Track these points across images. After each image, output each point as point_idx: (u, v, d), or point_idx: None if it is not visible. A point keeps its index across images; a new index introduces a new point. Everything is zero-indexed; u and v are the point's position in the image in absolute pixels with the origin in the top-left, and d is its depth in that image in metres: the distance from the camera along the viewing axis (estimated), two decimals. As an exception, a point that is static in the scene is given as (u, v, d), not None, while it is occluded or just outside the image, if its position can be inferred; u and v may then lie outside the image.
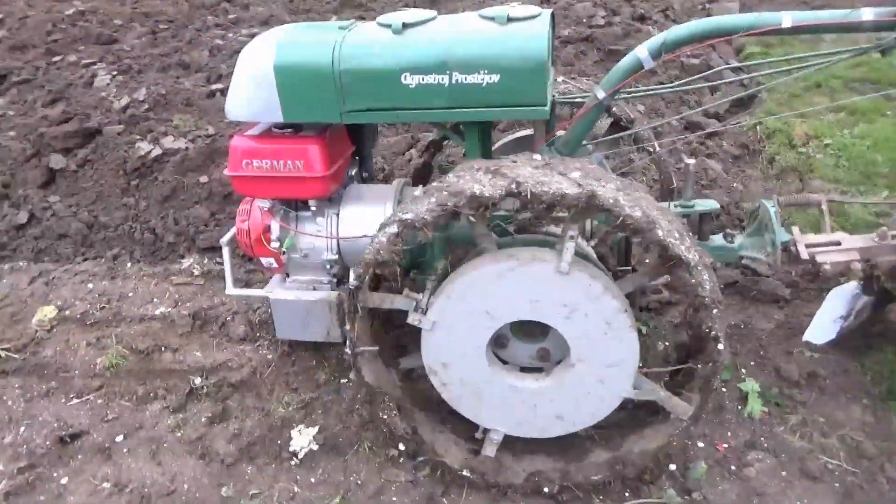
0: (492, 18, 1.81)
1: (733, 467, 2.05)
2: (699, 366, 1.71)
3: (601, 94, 1.89)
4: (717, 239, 2.20)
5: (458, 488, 2.00)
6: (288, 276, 2.27)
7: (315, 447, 2.13)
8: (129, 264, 3.06)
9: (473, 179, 1.61)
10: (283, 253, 2.16)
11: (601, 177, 1.60)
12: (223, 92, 4.15)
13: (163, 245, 3.28)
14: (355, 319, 1.81)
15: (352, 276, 1.75)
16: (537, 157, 1.71)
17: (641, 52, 1.85)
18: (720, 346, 1.66)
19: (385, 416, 1.94)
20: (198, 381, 2.37)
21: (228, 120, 2.09)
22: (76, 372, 2.46)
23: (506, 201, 1.62)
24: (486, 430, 1.95)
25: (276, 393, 2.32)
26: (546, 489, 1.96)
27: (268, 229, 2.15)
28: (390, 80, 1.81)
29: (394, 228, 1.66)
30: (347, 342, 1.85)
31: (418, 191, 1.75)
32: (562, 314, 1.69)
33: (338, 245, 2.16)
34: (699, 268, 1.58)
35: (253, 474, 2.07)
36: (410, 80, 1.80)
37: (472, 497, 1.98)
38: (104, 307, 2.75)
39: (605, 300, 1.66)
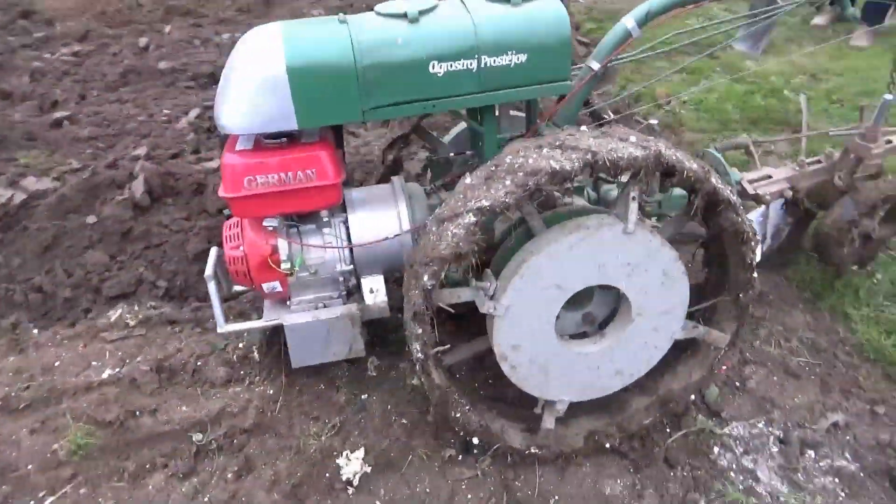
0: (505, 0, 1.83)
1: (738, 384, 2.32)
2: (740, 295, 1.92)
3: (595, 66, 2.01)
4: (678, 189, 2.45)
5: (527, 467, 2.02)
6: (289, 299, 2.09)
7: (368, 469, 2.00)
8: (35, 331, 2.56)
9: (544, 156, 1.63)
10: (291, 274, 1.99)
11: (650, 138, 1.72)
12: (71, 119, 3.60)
13: (56, 303, 2.78)
14: (424, 321, 1.74)
15: (426, 276, 1.66)
16: (584, 128, 1.78)
17: (629, 21, 2.00)
18: (755, 275, 1.88)
19: (458, 415, 1.89)
20: (200, 437, 2.08)
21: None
22: (30, 467, 2.02)
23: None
24: (545, 405, 1.99)
25: (297, 427, 2.12)
26: (607, 444, 2.07)
27: (275, 250, 1.95)
28: (418, 71, 1.76)
29: (470, 218, 1.62)
30: (417, 347, 1.77)
31: (469, 178, 1.72)
32: (625, 273, 1.79)
33: (351, 254, 2.04)
34: (741, 208, 1.77)
35: (312, 516, 1.90)
36: (439, 69, 1.77)
37: (543, 472, 2.01)
38: (29, 386, 2.27)
39: (664, 252, 1.79)
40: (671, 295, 1.86)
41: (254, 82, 1.72)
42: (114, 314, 2.57)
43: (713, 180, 1.70)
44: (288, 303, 2.09)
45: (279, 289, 2.03)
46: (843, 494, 1.97)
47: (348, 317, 2.02)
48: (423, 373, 1.82)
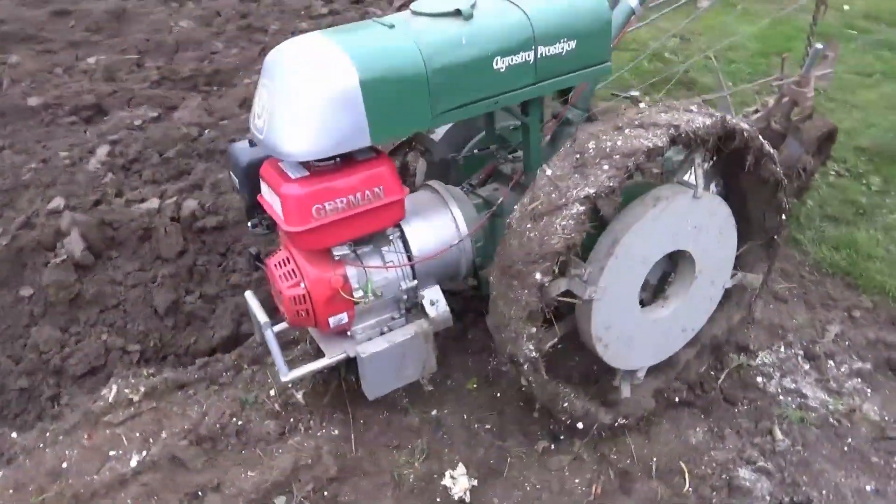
0: None
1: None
2: (774, 237, 2.11)
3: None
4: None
5: (616, 439, 2.08)
6: (348, 330, 1.94)
7: (475, 482, 1.94)
8: (14, 434, 2.13)
9: (632, 136, 1.67)
10: (358, 302, 1.85)
11: (707, 107, 1.83)
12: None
13: (10, 397, 2.35)
14: (537, 320, 1.72)
15: (538, 274, 1.64)
16: (643, 105, 1.84)
17: (632, 0, 2.09)
18: (786, 217, 2.09)
19: (566, 404, 1.90)
20: (284, 499, 1.89)
21: (302, 159, 1.64)
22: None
23: None
24: (622, 375, 2.07)
25: (384, 460, 1.99)
26: (677, 399, 2.19)
27: (346, 279, 1.80)
28: (483, 69, 1.71)
29: (578, 208, 1.62)
30: (531, 346, 1.74)
31: (551, 170, 1.72)
32: (693, 235, 1.90)
33: (412, 269, 1.94)
34: (777, 158, 1.95)
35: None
36: (501, 64, 1.73)
37: (632, 439, 2.08)
38: (43, 499, 1.90)
39: (722, 210, 1.92)
40: (725, 249, 2.01)
41: (324, 100, 1.56)
42: (109, 393, 2.21)
43: (759, 139, 1.86)
44: (349, 333, 1.95)
45: (346, 321, 1.89)
46: (868, 390, 2.27)
47: (422, 335, 1.94)
48: (533, 371, 1.80)
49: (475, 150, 2.30)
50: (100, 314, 2.55)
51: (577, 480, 1.97)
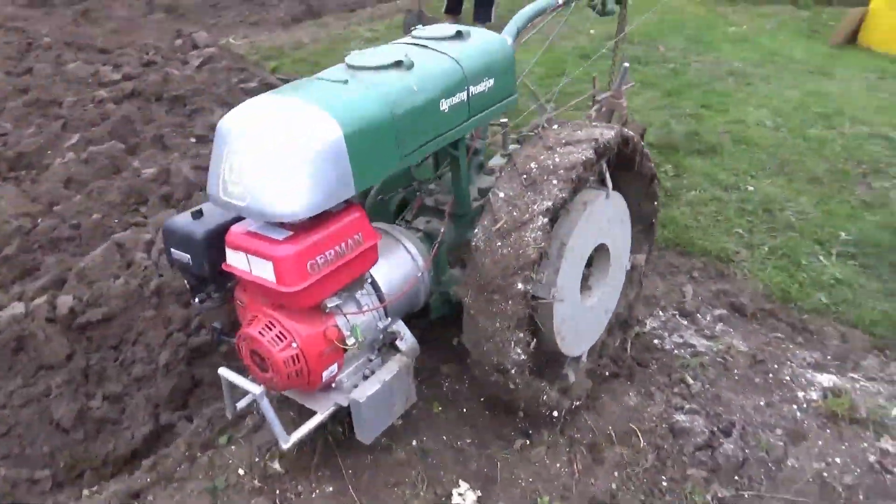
0: (454, 36, 2.04)
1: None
2: (653, 221, 2.55)
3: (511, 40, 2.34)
4: None
5: (576, 419, 2.34)
6: (333, 382, 1.95)
7: (479, 493, 2.06)
8: None
9: (566, 153, 1.95)
10: (347, 350, 1.88)
11: (602, 123, 2.18)
12: None
13: None
14: (524, 328, 1.91)
15: (519, 284, 1.82)
16: (556, 126, 2.13)
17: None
18: (659, 204, 2.54)
19: (546, 398, 2.11)
20: (309, 568, 1.82)
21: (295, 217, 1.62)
22: None
23: None
24: (570, 362, 2.34)
25: (388, 501, 2.01)
26: (606, 373, 2.52)
27: (339, 329, 1.82)
28: (434, 111, 1.87)
29: (543, 220, 1.85)
30: (519, 351, 1.92)
31: (503, 192, 1.94)
32: (608, 228, 2.25)
33: (384, 309, 2.01)
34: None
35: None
36: (445, 106, 1.91)
37: (587, 416, 2.36)
38: None
39: (621, 204, 2.30)
40: (626, 236, 2.40)
41: (314, 157, 1.59)
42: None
43: (641, 143, 2.27)
44: (334, 384, 1.95)
45: (335, 371, 1.89)
46: (731, 330, 2.83)
47: (404, 369, 2.01)
48: (521, 374, 1.98)
49: (399, 190, 2.43)
50: (-14, 447, 2.17)
51: (557, 465, 2.19)
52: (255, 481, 2.06)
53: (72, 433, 2.28)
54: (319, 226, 1.73)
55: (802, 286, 3.10)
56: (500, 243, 1.88)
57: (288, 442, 1.84)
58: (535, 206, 1.87)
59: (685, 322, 2.85)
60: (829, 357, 2.73)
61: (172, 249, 1.89)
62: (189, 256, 1.85)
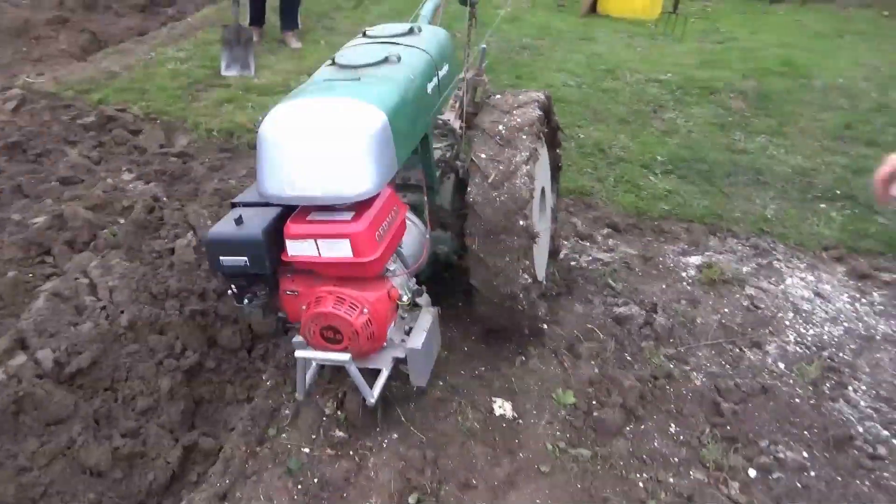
0: (410, 32, 2.38)
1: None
2: (559, 168, 3.12)
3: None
4: None
5: (548, 334, 2.85)
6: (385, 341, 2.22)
7: (510, 402, 2.49)
8: None
9: (522, 113, 2.42)
10: (400, 307, 2.18)
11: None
12: None
13: None
14: (529, 255, 2.35)
15: (522, 221, 2.26)
16: (499, 94, 2.57)
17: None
18: (561, 153, 3.12)
19: (542, 311, 2.58)
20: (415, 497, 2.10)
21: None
22: None
23: None
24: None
25: (444, 420, 2.35)
26: (554, 293, 3.07)
27: (400, 289, 2.11)
28: (423, 93, 2.22)
29: (527, 166, 2.31)
30: (527, 276, 2.36)
31: (483, 153, 2.35)
32: (545, 175, 2.77)
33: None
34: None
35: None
36: (428, 89, 2.26)
37: (556, 329, 2.89)
38: None
39: (545, 153, 2.84)
40: (549, 179, 2.95)
41: (373, 142, 1.87)
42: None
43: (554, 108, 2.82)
44: (385, 343, 2.22)
45: (391, 328, 2.18)
46: (621, 243, 3.55)
47: (436, 317, 2.36)
48: (528, 293, 2.42)
49: None
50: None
51: (552, 367, 2.69)
52: (328, 450, 2.27)
53: (109, 475, 2.24)
54: (370, 204, 2.01)
55: (647, 201, 3.95)
56: (495, 193, 2.30)
57: (373, 397, 2.10)
58: (517, 158, 2.32)
59: (587, 244, 3.52)
60: (687, 246, 3.58)
61: (222, 258, 2.01)
62: (246, 258, 1.99)
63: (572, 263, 3.35)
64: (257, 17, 6.03)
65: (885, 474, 2.32)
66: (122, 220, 3.38)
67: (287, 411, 2.46)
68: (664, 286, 3.22)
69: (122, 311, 2.68)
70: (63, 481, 2.16)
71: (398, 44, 2.35)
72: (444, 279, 2.82)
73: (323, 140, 1.87)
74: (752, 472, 2.30)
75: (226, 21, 6.13)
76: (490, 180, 2.31)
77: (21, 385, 2.28)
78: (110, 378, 2.49)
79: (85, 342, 2.50)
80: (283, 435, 2.36)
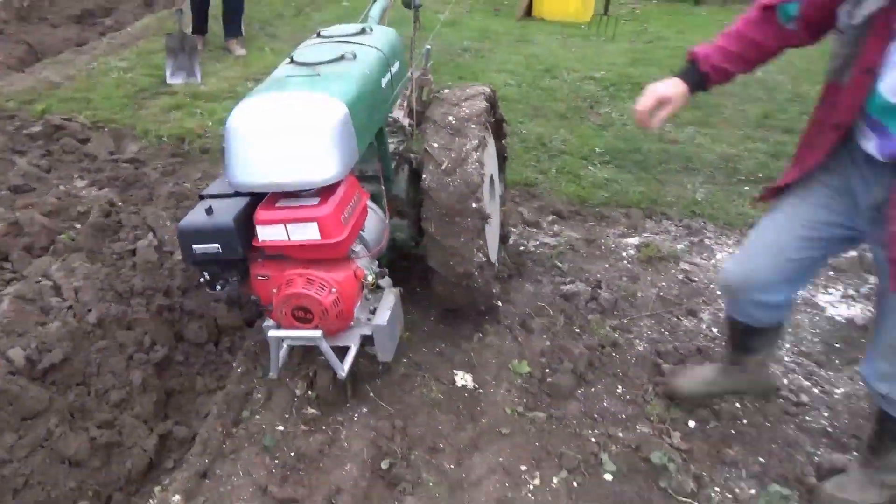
0: (363, 32, 2.54)
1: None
2: (505, 158, 3.33)
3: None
4: None
5: (501, 308, 3.05)
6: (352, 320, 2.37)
7: (470, 374, 2.67)
8: None
9: (469, 104, 2.61)
10: (365, 287, 2.33)
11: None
12: None
13: None
14: (482, 235, 2.54)
15: (474, 203, 2.44)
16: (446, 91, 2.75)
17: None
18: (506, 144, 3.32)
19: (496, 290, 2.77)
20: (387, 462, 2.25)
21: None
22: None
23: None
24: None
25: (407, 392, 2.51)
26: (506, 275, 3.26)
27: (362, 269, 2.25)
28: (378, 88, 2.38)
29: (476, 153, 2.49)
30: (482, 255, 2.54)
31: (435, 142, 2.53)
32: (493, 163, 2.97)
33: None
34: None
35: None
36: (383, 83, 2.43)
37: (508, 307, 3.08)
38: None
39: (492, 143, 3.03)
40: (497, 168, 3.15)
41: (338, 131, 2.02)
42: None
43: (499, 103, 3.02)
44: (352, 322, 2.37)
45: (357, 306, 2.32)
46: (565, 228, 3.78)
47: (399, 297, 2.51)
48: (482, 272, 2.60)
49: None
50: None
51: (507, 342, 2.88)
52: (302, 427, 2.40)
53: (88, 464, 2.31)
54: (335, 189, 2.15)
55: (588, 189, 4.20)
56: (448, 179, 2.48)
57: (344, 371, 2.24)
58: (467, 146, 2.51)
59: (534, 230, 3.74)
60: (626, 229, 3.84)
61: (195, 246, 2.13)
62: (219, 245, 2.11)
63: (521, 248, 3.56)
64: (200, 26, 6.07)
65: (808, 418, 2.60)
66: (78, 225, 3.41)
67: (259, 395, 2.57)
68: (607, 265, 3.46)
69: (90, 310, 2.74)
70: (43, 471, 2.22)
71: (352, 42, 2.50)
72: (402, 267, 2.98)
73: (289, 131, 2.01)
74: (692, 423, 2.54)
75: (168, 30, 6.15)
76: (443, 167, 2.49)
77: (-5, 382, 2.32)
78: (82, 373, 2.55)
79: (54, 340, 2.55)
80: (257, 416, 2.48)
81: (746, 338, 2.39)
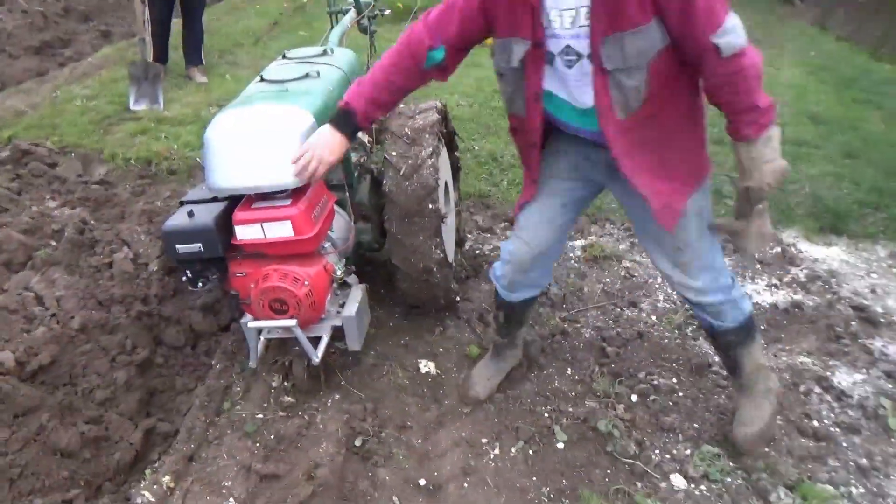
0: (324, 54, 2.82)
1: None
2: (459, 168, 3.62)
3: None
4: None
5: (461, 305, 3.31)
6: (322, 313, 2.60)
7: (433, 363, 2.91)
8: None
9: (423, 117, 2.89)
10: (334, 281, 2.57)
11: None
12: None
13: None
14: (438, 234, 2.81)
15: (430, 204, 2.71)
16: (402, 106, 3.03)
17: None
18: (459, 154, 3.61)
19: (454, 286, 3.03)
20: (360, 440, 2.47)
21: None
22: None
23: None
24: (445, 270, 3.29)
25: (387, 375, 2.74)
26: (463, 276, 3.53)
27: (332, 265, 2.49)
28: (339, 98, 2.63)
29: (431, 160, 2.77)
30: (440, 251, 2.81)
31: (394, 151, 2.80)
32: (447, 171, 3.25)
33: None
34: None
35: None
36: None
37: (468, 304, 3.35)
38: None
39: (445, 154, 3.32)
40: (451, 176, 3.43)
41: (302, 136, 2.26)
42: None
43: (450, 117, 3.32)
44: (323, 315, 2.60)
45: (328, 300, 2.55)
46: (515, 233, 4.08)
47: (365, 292, 2.76)
48: (441, 268, 2.86)
49: None
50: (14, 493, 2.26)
51: (466, 333, 3.15)
52: (279, 413, 2.60)
53: (79, 455, 2.46)
54: (303, 192, 2.40)
55: (538, 199, 4.52)
56: (407, 183, 2.75)
57: (317, 357, 2.47)
58: (423, 153, 2.79)
59: (488, 235, 4.03)
60: (573, 232, 4.16)
61: (178, 246, 2.34)
62: (200, 244, 2.33)
63: (477, 252, 3.84)
64: (161, 55, 6.25)
65: (736, 389, 2.91)
66: (53, 243, 3.56)
67: (238, 388, 2.77)
68: (556, 264, 3.76)
69: (73, 317, 2.90)
70: (37, 462, 2.37)
71: (315, 62, 2.77)
72: (366, 271, 3.23)
73: (263, 139, 2.25)
74: (634, 397, 2.82)
75: (128, 59, 6.34)
76: (402, 173, 2.76)
77: (-14, 383, 2.47)
78: (69, 374, 2.71)
79: (41, 344, 2.71)
80: (237, 407, 2.68)
81: (521, 313, 2.69)
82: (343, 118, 2.24)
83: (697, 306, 2.38)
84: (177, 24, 6.42)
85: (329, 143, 2.23)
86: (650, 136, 2.01)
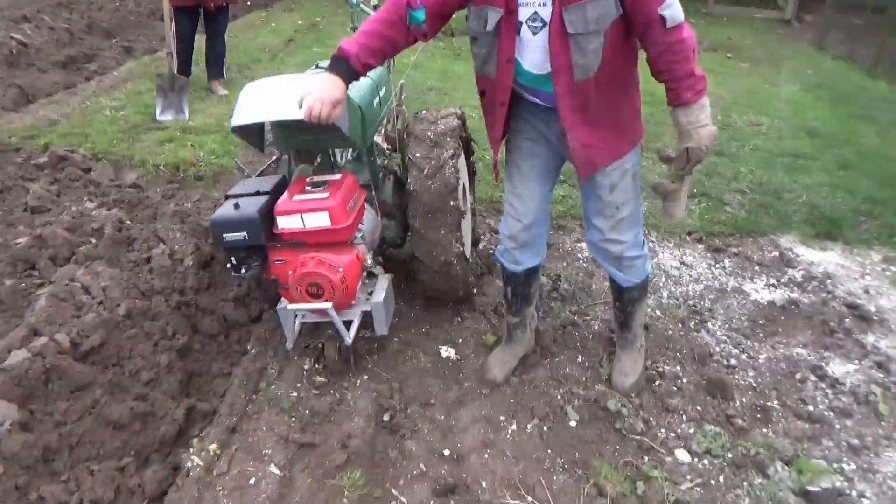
0: None
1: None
2: (475, 173, 3.85)
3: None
4: None
5: (478, 298, 3.53)
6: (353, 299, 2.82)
7: (452, 349, 3.13)
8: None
9: (444, 122, 3.13)
10: (365, 270, 2.79)
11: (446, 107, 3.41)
12: None
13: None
14: (458, 228, 3.03)
15: (452, 201, 2.94)
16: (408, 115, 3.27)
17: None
18: (474, 159, 3.85)
19: (472, 279, 3.25)
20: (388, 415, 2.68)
21: None
22: None
23: None
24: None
25: (413, 359, 2.95)
26: (480, 272, 3.75)
27: (364, 253, 2.72)
28: (372, 105, 2.90)
29: (453, 160, 3.00)
30: (455, 241, 3.03)
31: (417, 152, 3.04)
32: (465, 174, 3.49)
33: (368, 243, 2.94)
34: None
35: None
36: (374, 102, 2.94)
37: (482, 298, 3.56)
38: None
39: (463, 159, 3.56)
40: (468, 179, 3.67)
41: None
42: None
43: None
44: (354, 301, 2.82)
45: (358, 286, 2.78)
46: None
47: (391, 282, 2.98)
48: (462, 261, 3.08)
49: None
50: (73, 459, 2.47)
51: (482, 324, 3.36)
52: (312, 391, 2.81)
53: (130, 427, 2.67)
54: (339, 185, 2.63)
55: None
56: (430, 182, 2.98)
57: (349, 338, 2.68)
58: (444, 155, 3.02)
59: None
60: (580, 236, 4.38)
61: (225, 235, 2.57)
62: (245, 233, 2.56)
63: (491, 251, 4.06)
64: (184, 69, 6.54)
65: (736, 377, 3.12)
66: (94, 240, 3.79)
67: (272, 370, 2.98)
68: (565, 264, 3.99)
69: (118, 304, 3.12)
70: (92, 433, 2.58)
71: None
72: (389, 270, 3.45)
73: (286, 83, 2.54)
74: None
75: (152, 73, 6.63)
76: (425, 172, 2.99)
77: (46, 360, 2.69)
78: (116, 356, 2.92)
79: (90, 329, 2.93)
80: (273, 387, 2.89)
81: (527, 286, 2.92)
82: (338, 63, 2.33)
83: (616, 261, 2.69)
84: (198, 40, 6.72)
85: (328, 86, 2.30)
86: (597, 99, 2.28)
